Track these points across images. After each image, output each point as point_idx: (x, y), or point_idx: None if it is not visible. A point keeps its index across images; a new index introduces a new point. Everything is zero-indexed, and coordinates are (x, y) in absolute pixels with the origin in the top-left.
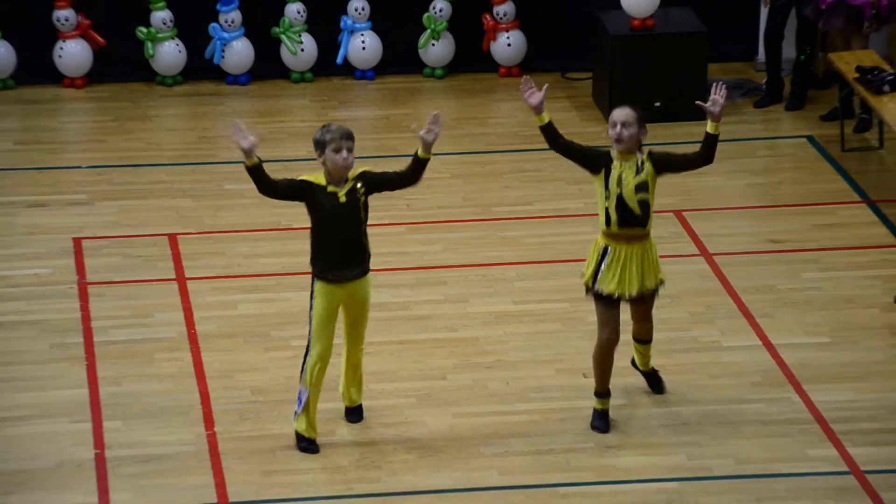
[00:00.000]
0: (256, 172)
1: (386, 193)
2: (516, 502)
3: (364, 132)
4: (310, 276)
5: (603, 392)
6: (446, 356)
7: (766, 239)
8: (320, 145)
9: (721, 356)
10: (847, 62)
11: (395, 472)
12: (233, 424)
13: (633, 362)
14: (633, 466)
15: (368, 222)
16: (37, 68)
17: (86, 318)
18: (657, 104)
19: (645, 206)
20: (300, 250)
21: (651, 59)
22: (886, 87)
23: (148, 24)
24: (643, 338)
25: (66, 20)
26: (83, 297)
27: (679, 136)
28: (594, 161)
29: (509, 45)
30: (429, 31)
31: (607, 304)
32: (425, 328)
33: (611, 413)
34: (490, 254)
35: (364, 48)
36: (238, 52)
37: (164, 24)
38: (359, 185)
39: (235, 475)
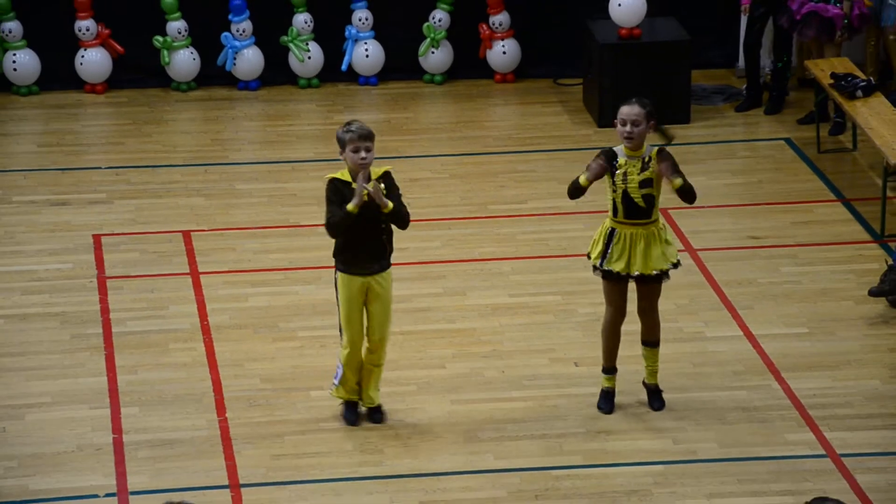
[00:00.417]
0: (349, 218)
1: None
2: (511, 484)
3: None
4: (315, 270)
5: (609, 368)
6: (445, 346)
7: (747, 235)
8: (341, 143)
9: (705, 346)
10: (822, 69)
11: (396, 456)
12: (243, 411)
13: (644, 384)
14: (622, 450)
15: None
16: (59, 75)
17: (105, 310)
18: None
19: (649, 199)
20: (307, 246)
21: (638, 65)
22: (859, 93)
23: (164, 34)
24: (649, 338)
25: (87, 30)
26: (102, 290)
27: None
28: (607, 167)
29: (504, 52)
30: (429, 39)
31: (613, 282)
32: (425, 320)
33: None
34: (486, 249)
35: (367, 56)
36: (249, 60)
37: (179, 33)
38: (382, 186)
39: (246, 459)
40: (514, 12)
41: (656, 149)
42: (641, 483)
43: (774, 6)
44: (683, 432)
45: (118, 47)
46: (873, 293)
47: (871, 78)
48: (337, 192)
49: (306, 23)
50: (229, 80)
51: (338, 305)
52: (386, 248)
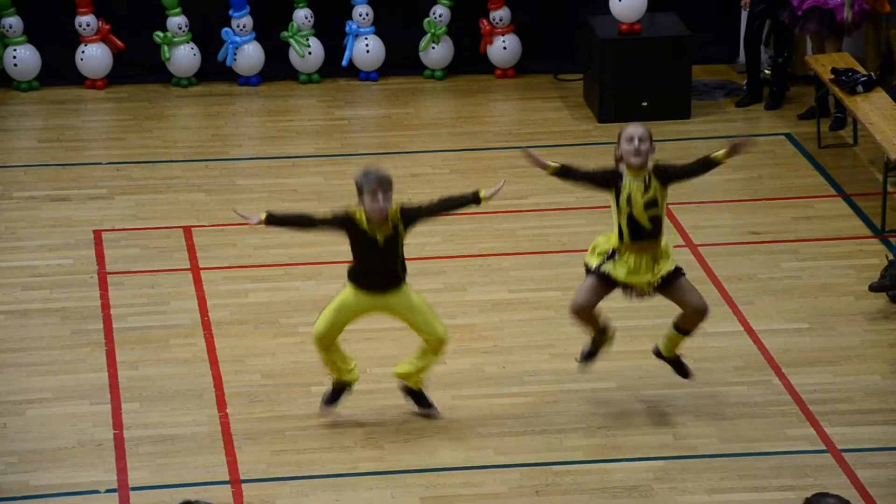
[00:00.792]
0: (275, 222)
1: None
2: (512, 480)
3: (367, 130)
4: (315, 266)
5: (600, 330)
6: None
7: (748, 230)
8: (359, 189)
9: (705, 341)
10: (823, 64)
11: (397, 452)
12: (244, 406)
13: (655, 352)
14: (623, 445)
15: None
16: (60, 71)
17: (105, 305)
18: (644, 104)
19: (655, 220)
20: (307, 241)
21: (638, 61)
22: (860, 88)
23: (164, 29)
24: (683, 324)
25: (88, 25)
26: (103, 285)
27: (666, 134)
28: (607, 180)
29: (505, 48)
30: (429, 35)
31: (600, 283)
32: None
33: (601, 396)
34: (486, 245)
35: (368, 51)
36: (249, 55)
37: (180, 28)
38: (400, 227)
39: (246, 454)
40: (514, 7)
41: (651, 167)
42: (642, 478)
43: (775, 1)
44: (684, 428)
45: (119, 43)
46: (874, 288)
47: (872, 73)
48: (339, 223)
49: (307, 18)
50: (230, 76)
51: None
52: (398, 273)
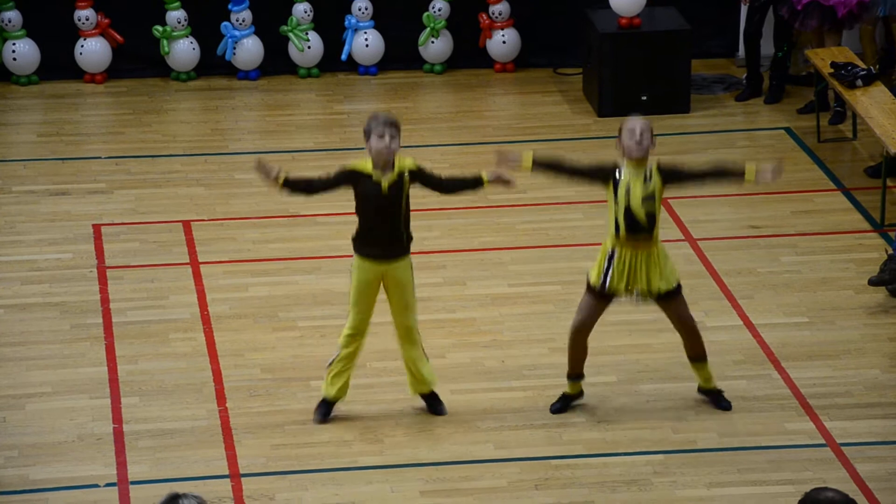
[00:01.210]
0: (289, 185)
1: None
2: (511, 474)
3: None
4: (315, 260)
5: (572, 375)
6: (445, 336)
7: (747, 225)
8: (366, 133)
9: (705, 336)
10: (822, 58)
11: (396, 446)
12: (243, 401)
13: (699, 390)
14: (622, 440)
15: None
16: (59, 65)
17: (105, 300)
18: (644, 98)
19: (651, 216)
20: (307, 236)
21: (638, 55)
22: (859, 82)
23: (163, 23)
24: (692, 354)
25: (87, 19)
26: (102, 280)
27: (665, 128)
28: (603, 173)
29: (504, 42)
30: (428, 29)
31: (596, 299)
32: (425, 309)
33: (600, 390)
34: (486, 239)
35: (367, 45)
36: (248, 49)
37: (179, 22)
38: (406, 176)
39: (246, 448)
40: (513, 2)
41: (656, 161)
42: (641, 472)
43: None
44: (683, 422)
45: (118, 37)
46: (873, 282)
47: (872, 67)
48: (345, 179)
49: (306, 12)
50: (229, 70)
51: (350, 287)
52: (403, 236)
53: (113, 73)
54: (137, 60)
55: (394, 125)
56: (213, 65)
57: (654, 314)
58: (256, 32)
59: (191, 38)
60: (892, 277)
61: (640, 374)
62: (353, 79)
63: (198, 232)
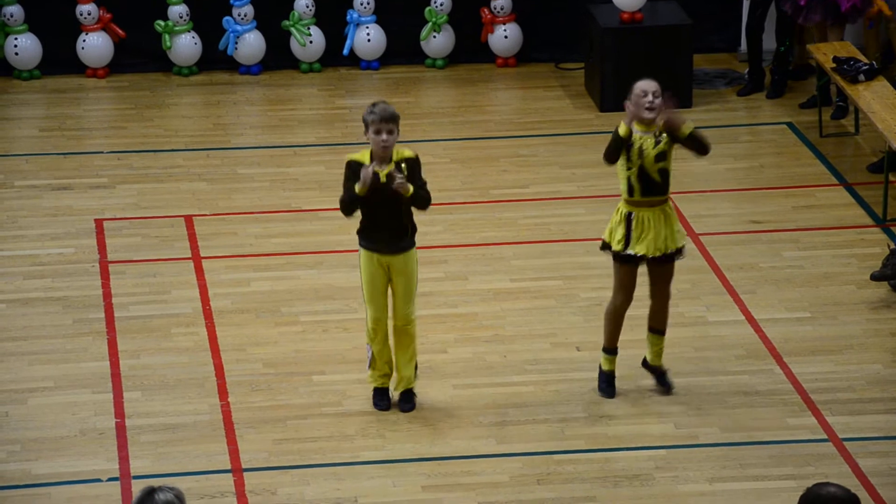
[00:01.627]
0: (357, 200)
1: None
2: (513, 468)
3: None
4: (317, 255)
5: (611, 349)
6: (447, 331)
7: (749, 220)
8: (365, 124)
9: (707, 330)
10: (824, 53)
11: (398, 441)
12: (245, 395)
13: (643, 363)
14: (624, 434)
15: None
16: (61, 59)
17: (107, 294)
18: None
19: (665, 174)
20: (309, 231)
21: (639, 50)
22: (861, 77)
23: (165, 18)
24: (657, 325)
25: (89, 14)
26: (104, 274)
27: None
28: (622, 144)
29: (506, 37)
30: (430, 23)
31: (630, 266)
32: (427, 304)
33: None
34: (488, 234)
35: (369, 40)
36: (250, 44)
37: (181, 17)
38: (403, 166)
39: (248, 443)
40: None
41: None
42: (643, 467)
43: None
44: (685, 417)
45: (120, 31)
46: (875, 277)
47: (874, 62)
48: (353, 173)
49: (308, 7)
50: (231, 65)
51: (361, 282)
52: (406, 229)
53: (115, 67)
54: (139, 55)
55: (392, 120)
56: (215, 59)
57: None
58: (258, 27)
59: (192, 33)
60: (895, 272)
61: (642, 369)
62: (355, 73)
63: (200, 227)
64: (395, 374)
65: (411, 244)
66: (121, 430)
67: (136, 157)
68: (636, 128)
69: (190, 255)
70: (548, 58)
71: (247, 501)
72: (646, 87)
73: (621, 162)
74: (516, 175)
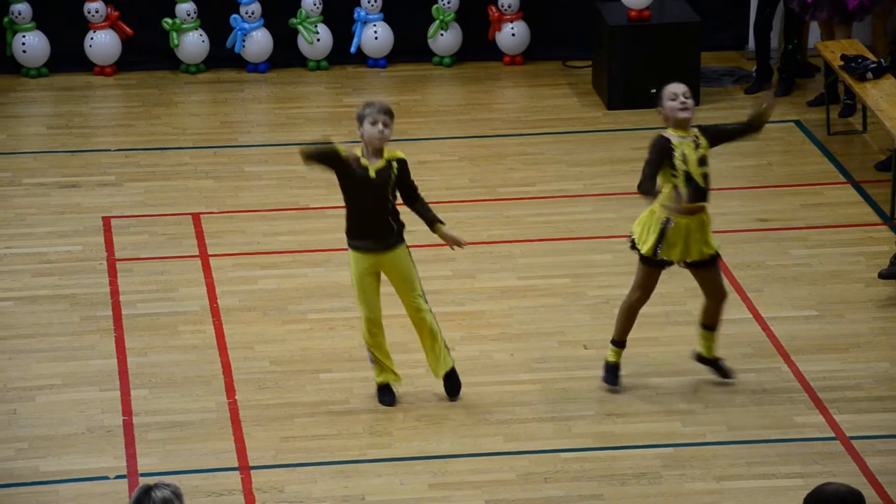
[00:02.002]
0: (322, 147)
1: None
2: (520, 467)
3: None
4: (324, 252)
5: (620, 342)
6: (454, 328)
7: (756, 218)
8: (360, 119)
9: None
10: (832, 51)
11: (405, 439)
12: (253, 393)
13: (697, 357)
14: (631, 433)
15: None
16: (69, 57)
17: (114, 292)
18: (653, 90)
19: (707, 178)
20: (316, 228)
21: (647, 48)
22: (869, 75)
23: (173, 16)
24: (708, 322)
25: (97, 12)
26: (112, 272)
27: None
28: (664, 154)
29: (513, 35)
30: (438, 21)
31: (655, 268)
32: (434, 302)
33: None
34: (495, 232)
35: (377, 38)
36: (258, 42)
37: (188, 15)
38: (395, 165)
39: (255, 441)
40: None
41: (696, 125)
42: (650, 465)
43: None
44: (693, 415)
45: (127, 29)
46: (883, 275)
47: (882, 60)
48: (338, 158)
49: (315, 5)
50: (238, 63)
51: (352, 282)
52: (393, 227)
53: (122, 65)
54: (147, 53)
55: (388, 113)
56: (223, 57)
57: (662, 307)
58: (266, 25)
59: (200, 31)
60: None
61: (650, 367)
62: (363, 71)
63: (207, 224)
64: (430, 363)
65: (400, 240)
66: (128, 428)
67: (144, 155)
68: (673, 134)
69: (197, 253)
70: (555, 56)
71: (254, 499)
72: (675, 89)
73: (665, 171)
74: (523, 173)
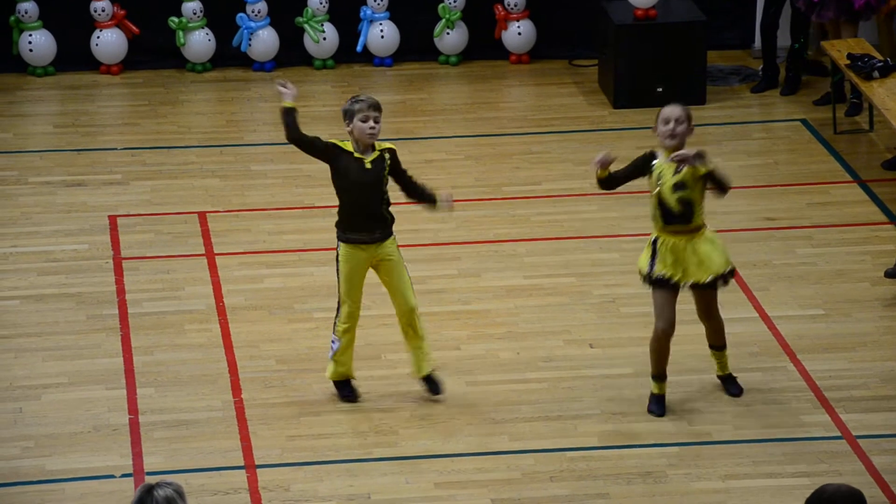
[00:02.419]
0: (291, 114)
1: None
2: (526, 465)
3: (382, 116)
4: (330, 251)
5: (659, 375)
6: (460, 327)
7: (763, 217)
8: (349, 115)
9: None
10: (839, 50)
11: (411, 438)
12: (259, 392)
13: (718, 377)
14: (637, 432)
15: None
16: (75, 56)
17: (120, 290)
18: (659, 89)
19: (685, 203)
20: (322, 227)
21: (653, 47)
22: (876, 74)
23: (179, 15)
24: (713, 342)
25: (103, 11)
26: (118, 271)
27: None
28: (643, 167)
29: (520, 33)
30: (444, 20)
31: (663, 292)
32: (440, 301)
33: (616, 382)
34: (501, 231)
35: (382, 37)
36: (264, 41)
37: (195, 14)
38: (387, 156)
39: (261, 439)
40: None
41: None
42: (656, 464)
43: None
44: (698, 414)
45: (133, 28)
46: (889, 274)
47: (888, 58)
48: (329, 148)
49: (321, 3)
50: (244, 61)
51: (338, 279)
52: (387, 218)
53: (129, 64)
54: (153, 52)
55: (378, 109)
56: (229, 56)
57: None
58: (272, 24)
59: (206, 30)
60: None
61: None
62: (369, 70)
63: (213, 223)
64: (415, 362)
65: (391, 232)
66: (134, 427)
67: (150, 154)
68: (662, 154)
69: (203, 252)
70: (561, 54)
71: (260, 498)
72: (668, 114)
73: (650, 187)
74: (529, 172)
